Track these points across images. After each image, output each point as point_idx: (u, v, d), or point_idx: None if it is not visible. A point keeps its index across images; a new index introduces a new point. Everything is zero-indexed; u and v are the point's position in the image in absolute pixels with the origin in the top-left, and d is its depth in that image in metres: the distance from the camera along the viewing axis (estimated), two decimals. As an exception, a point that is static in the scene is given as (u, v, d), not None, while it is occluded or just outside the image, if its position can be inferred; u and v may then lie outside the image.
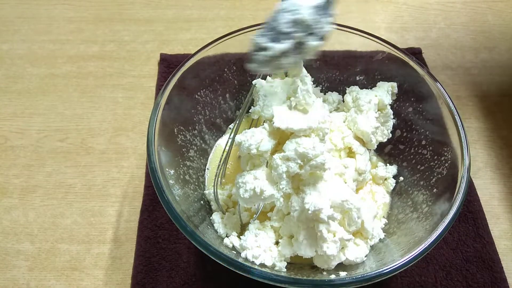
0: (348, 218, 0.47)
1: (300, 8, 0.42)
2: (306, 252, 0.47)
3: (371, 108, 0.55)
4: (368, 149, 0.57)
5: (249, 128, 0.61)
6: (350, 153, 0.57)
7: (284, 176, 0.46)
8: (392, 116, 0.58)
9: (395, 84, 0.58)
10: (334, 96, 0.63)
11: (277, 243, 0.50)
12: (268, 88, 0.52)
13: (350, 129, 0.56)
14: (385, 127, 0.57)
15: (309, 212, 0.44)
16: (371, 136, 0.55)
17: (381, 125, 0.57)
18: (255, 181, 0.47)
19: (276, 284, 0.41)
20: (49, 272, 0.55)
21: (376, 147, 0.57)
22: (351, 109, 0.57)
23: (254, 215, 0.52)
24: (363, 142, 0.56)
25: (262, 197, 0.47)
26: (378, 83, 0.59)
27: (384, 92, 0.57)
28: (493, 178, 0.65)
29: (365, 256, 0.50)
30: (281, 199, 0.47)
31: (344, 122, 0.57)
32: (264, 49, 0.42)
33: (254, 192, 0.46)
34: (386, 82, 0.58)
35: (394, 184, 0.59)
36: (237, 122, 0.58)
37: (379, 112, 0.57)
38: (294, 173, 0.46)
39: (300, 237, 0.47)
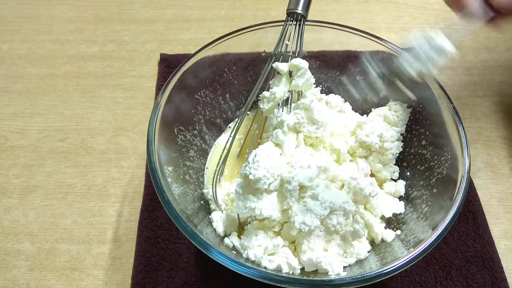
0: (353, 233, 0.47)
1: None
2: (309, 267, 0.47)
3: (393, 147, 0.55)
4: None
5: (251, 125, 0.61)
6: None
7: (297, 190, 0.46)
8: None
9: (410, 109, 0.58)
10: (337, 100, 0.62)
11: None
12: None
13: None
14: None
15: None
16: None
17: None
18: (257, 203, 0.46)
19: (276, 284, 0.41)
20: (49, 272, 0.55)
21: None
22: (371, 156, 0.56)
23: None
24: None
25: (260, 217, 0.47)
26: (389, 103, 0.59)
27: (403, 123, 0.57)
28: (493, 178, 0.65)
29: (367, 252, 0.50)
30: (277, 217, 0.47)
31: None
32: None
33: (252, 211, 0.46)
34: (401, 103, 0.58)
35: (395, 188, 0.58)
36: (242, 112, 0.57)
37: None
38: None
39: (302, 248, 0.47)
